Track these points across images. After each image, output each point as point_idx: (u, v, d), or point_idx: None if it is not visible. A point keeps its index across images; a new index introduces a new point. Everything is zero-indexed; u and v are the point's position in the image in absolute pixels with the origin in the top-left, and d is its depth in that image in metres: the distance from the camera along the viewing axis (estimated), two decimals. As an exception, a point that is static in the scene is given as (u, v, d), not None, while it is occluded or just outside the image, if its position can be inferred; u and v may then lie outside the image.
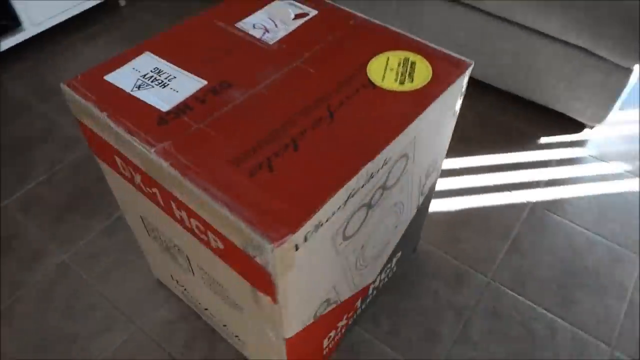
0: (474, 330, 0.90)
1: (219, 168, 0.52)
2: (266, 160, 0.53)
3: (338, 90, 0.61)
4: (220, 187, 0.50)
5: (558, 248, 1.03)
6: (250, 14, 0.73)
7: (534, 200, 1.12)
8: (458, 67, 0.65)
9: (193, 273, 0.73)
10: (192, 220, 0.57)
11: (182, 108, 0.58)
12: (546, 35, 1.13)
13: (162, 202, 0.60)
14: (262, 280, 0.53)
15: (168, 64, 0.64)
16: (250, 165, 0.53)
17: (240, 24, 0.71)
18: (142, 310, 0.91)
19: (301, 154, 0.54)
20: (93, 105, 0.58)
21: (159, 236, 0.73)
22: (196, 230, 0.58)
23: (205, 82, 0.62)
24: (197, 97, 0.60)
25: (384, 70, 0.64)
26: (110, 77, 0.62)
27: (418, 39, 0.70)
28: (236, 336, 0.79)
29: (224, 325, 0.80)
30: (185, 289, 0.84)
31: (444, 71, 0.64)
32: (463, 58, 0.66)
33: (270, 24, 0.72)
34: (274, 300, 0.54)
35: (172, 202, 0.58)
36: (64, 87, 0.61)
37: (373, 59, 0.66)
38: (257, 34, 0.70)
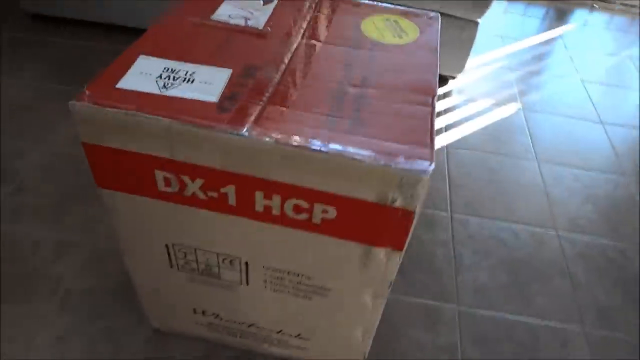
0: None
1: (317, 133, 0.50)
2: (351, 115, 0.53)
3: (357, 54, 0.64)
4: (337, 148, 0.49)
5: (478, 172, 1.22)
6: (216, 8, 0.70)
7: (445, 144, 1.30)
8: (431, 20, 0.74)
9: (247, 282, 0.66)
10: (286, 204, 0.53)
11: (231, 95, 0.54)
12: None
13: (235, 201, 0.54)
14: (388, 230, 0.53)
15: (175, 62, 0.58)
16: (342, 123, 0.52)
17: (216, 17, 0.68)
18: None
19: (374, 106, 0.55)
20: (132, 112, 0.49)
21: (196, 259, 0.65)
22: (290, 214, 0.54)
23: (230, 70, 0.58)
24: (237, 83, 0.56)
25: (377, 30, 0.69)
26: (124, 84, 0.53)
27: (380, 3, 0.77)
28: (297, 335, 0.74)
29: (279, 332, 0.74)
30: (217, 316, 0.75)
31: (424, 24, 0.72)
32: (427, 11, 0.76)
33: (245, 12, 0.70)
34: (401, 244, 0.54)
35: (255, 195, 0.53)
36: (76, 104, 0.50)
37: (361, 24, 0.70)
38: (240, 22, 0.68)
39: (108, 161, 0.55)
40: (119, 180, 0.57)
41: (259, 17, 0.69)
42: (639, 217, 1.15)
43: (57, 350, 0.79)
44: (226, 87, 0.55)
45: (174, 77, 0.56)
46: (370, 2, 0.76)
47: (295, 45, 0.64)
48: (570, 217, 1.13)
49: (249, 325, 0.75)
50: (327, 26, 0.69)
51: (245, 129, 0.49)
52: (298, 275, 0.63)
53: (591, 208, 1.16)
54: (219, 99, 0.53)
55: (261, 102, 0.54)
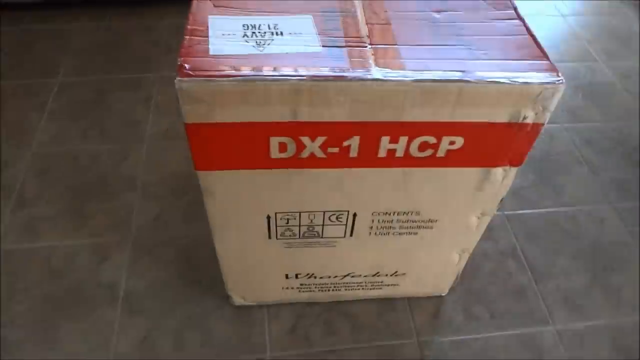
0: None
1: (444, 65, 0.48)
2: (457, 41, 0.51)
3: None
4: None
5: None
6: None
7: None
8: None
9: (352, 234, 0.65)
10: (413, 143, 0.52)
11: (331, 42, 0.50)
12: None
13: (357, 152, 0.52)
14: (512, 148, 0.53)
15: (249, 17, 0.52)
16: (455, 51, 0.50)
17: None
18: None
19: (470, 28, 0.53)
20: (251, 77, 0.44)
21: (299, 224, 0.62)
22: (415, 153, 0.53)
23: (310, 16, 0.53)
24: (326, 29, 0.52)
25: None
26: (216, 50, 0.48)
27: None
28: (393, 273, 0.75)
29: (375, 275, 0.75)
30: (311, 276, 0.73)
31: None
32: None
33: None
34: (522, 159, 0.55)
35: (381, 141, 0.51)
36: (183, 81, 0.44)
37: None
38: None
39: (215, 139, 0.50)
40: (224, 158, 0.52)
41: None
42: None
43: (146, 350, 0.75)
44: (319, 34, 0.51)
45: (261, 34, 0.50)
46: None
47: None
48: (569, 109, 1.21)
49: (344, 276, 0.75)
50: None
51: (378, 73, 0.46)
52: (407, 213, 0.63)
53: (581, 97, 1.24)
54: (323, 48, 0.49)
55: (366, 44, 0.50)
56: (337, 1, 0.56)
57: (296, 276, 0.74)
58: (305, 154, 0.52)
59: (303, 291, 0.78)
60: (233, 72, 0.45)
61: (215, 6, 0.54)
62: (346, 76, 0.46)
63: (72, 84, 1.17)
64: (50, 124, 1.08)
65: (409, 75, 0.46)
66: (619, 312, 0.84)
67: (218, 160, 0.53)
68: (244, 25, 0.51)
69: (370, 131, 0.50)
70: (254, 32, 0.50)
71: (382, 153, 0.53)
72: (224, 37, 0.50)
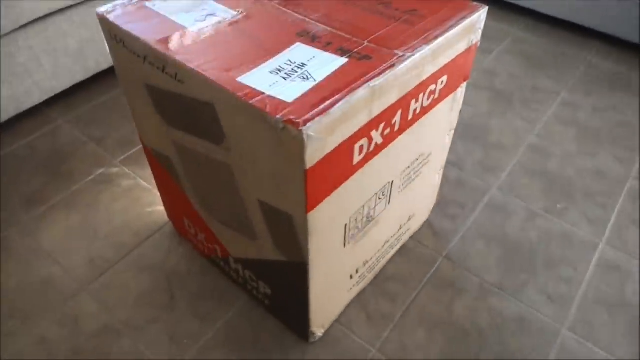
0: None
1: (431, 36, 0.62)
2: (404, 17, 0.65)
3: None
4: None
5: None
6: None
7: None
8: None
9: (389, 201, 0.74)
10: (425, 95, 0.64)
11: (345, 48, 0.58)
12: None
13: (400, 119, 0.62)
14: (466, 67, 0.71)
15: (272, 60, 0.55)
16: (408, 25, 0.64)
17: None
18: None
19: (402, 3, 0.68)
20: (345, 100, 0.50)
21: (363, 216, 0.68)
22: (425, 102, 0.66)
23: (298, 43, 0.59)
24: (325, 42, 0.59)
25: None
26: (286, 95, 0.50)
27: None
28: (409, 218, 0.87)
29: (399, 229, 0.85)
30: (366, 263, 0.80)
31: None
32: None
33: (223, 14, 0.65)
34: (469, 73, 0.73)
35: (411, 103, 0.62)
36: (307, 129, 0.46)
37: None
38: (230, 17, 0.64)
39: (322, 173, 0.53)
40: (325, 188, 0.56)
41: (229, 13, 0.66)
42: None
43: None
44: (325, 50, 0.58)
45: (293, 69, 0.55)
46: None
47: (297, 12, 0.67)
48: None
49: (383, 245, 0.84)
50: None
51: (408, 57, 0.57)
52: (418, 159, 0.76)
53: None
54: (350, 56, 0.57)
55: (367, 42, 0.60)
56: (303, 23, 0.63)
57: (357, 271, 0.79)
58: (372, 146, 0.60)
59: (360, 284, 0.84)
60: (333, 100, 0.50)
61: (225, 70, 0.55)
62: (394, 65, 0.55)
63: None
64: None
65: (425, 48, 0.59)
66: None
67: (321, 193, 0.56)
68: (271, 72, 0.55)
69: (406, 100, 0.61)
70: (283, 70, 0.55)
71: (410, 115, 0.64)
72: (277, 85, 0.52)
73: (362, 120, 0.55)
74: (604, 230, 1.01)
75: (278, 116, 0.48)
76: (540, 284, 0.91)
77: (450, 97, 0.73)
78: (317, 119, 0.48)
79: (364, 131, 0.56)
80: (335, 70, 0.55)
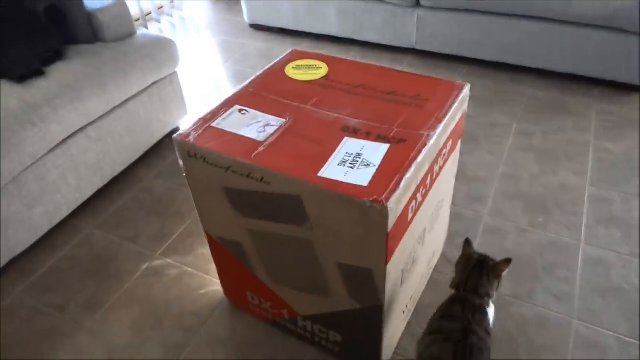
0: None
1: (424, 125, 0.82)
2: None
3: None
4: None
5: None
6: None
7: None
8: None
9: (424, 243, 0.92)
10: (442, 156, 0.83)
11: (383, 135, 0.76)
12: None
13: (429, 185, 0.80)
14: (459, 127, 0.92)
15: (336, 154, 0.72)
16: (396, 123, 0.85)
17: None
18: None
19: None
20: (410, 172, 0.68)
21: (413, 257, 0.85)
22: (441, 161, 0.84)
23: (345, 137, 0.77)
24: (367, 132, 0.77)
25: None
26: (354, 179, 0.67)
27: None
28: (432, 255, 1.04)
29: (429, 263, 1.03)
30: (411, 297, 0.96)
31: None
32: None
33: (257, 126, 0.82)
34: (462, 131, 0.94)
35: (434, 167, 0.81)
36: (389, 204, 0.63)
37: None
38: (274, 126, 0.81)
39: (395, 231, 0.70)
40: (396, 242, 0.72)
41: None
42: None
43: None
44: (372, 135, 0.76)
45: (354, 159, 0.72)
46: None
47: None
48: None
49: (420, 280, 1.00)
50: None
51: (432, 135, 0.76)
52: (438, 204, 0.94)
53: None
54: (389, 142, 0.75)
55: (396, 128, 0.79)
56: (340, 120, 0.81)
57: (406, 306, 0.95)
58: (417, 205, 0.78)
59: (408, 316, 1.00)
60: (397, 179, 0.67)
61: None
62: (425, 143, 0.74)
63: None
64: None
65: (440, 125, 0.78)
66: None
67: (394, 248, 0.73)
68: (339, 164, 0.72)
69: (432, 166, 0.80)
70: (347, 161, 0.72)
71: (435, 175, 0.83)
72: (349, 174, 0.70)
73: (413, 188, 0.73)
74: (580, 232, 1.23)
75: (365, 198, 0.65)
76: (545, 286, 1.10)
77: (454, 154, 0.94)
78: (393, 195, 0.66)
79: (414, 195, 0.74)
80: (386, 155, 0.73)
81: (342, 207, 0.68)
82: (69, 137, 1.28)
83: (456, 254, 1.17)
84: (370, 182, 0.68)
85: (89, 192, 1.38)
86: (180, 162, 0.84)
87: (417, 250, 0.88)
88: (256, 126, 0.82)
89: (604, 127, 1.59)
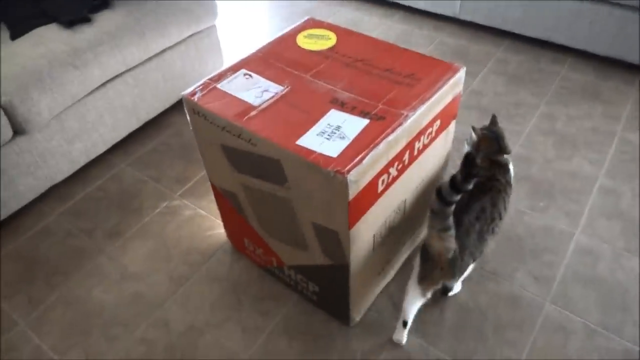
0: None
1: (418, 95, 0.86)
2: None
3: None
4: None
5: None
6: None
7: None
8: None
9: (405, 213, 0.98)
10: (425, 136, 0.88)
11: (366, 111, 0.82)
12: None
13: (408, 160, 0.86)
14: (453, 110, 0.96)
15: (316, 127, 0.80)
16: (399, 84, 0.89)
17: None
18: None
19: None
20: (388, 138, 0.74)
21: (395, 223, 0.93)
22: (425, 141, 0.90)
23: (332, 109, 0.83)
24: (352, 106, 0.83)
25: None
26: (324, 148, 0.75)
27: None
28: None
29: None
30: (389, 262, 1.04)
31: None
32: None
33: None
34: (456, 114, 0.98)
35: (414, 146, 0.86)
36: (350, 176, 0.70)
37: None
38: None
39: (358, 201, 0.77)
40: (360, 211, 0.80)
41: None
42: None
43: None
44: (357, 110, 0.82)
45: (332, 131, 0.79)
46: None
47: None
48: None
49: (401, 248, 1.07)
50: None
51: (411, 115, 0.81)
52: (424, 178, 0.99)
53: None
54: (370, 118, 0.81)
55: (380, 105, 0.84)
56: (333, 92, 0.87)
57: (383, 269, 1.03)
58: (390, 178, 0.84)
59: (385, 278, 1.08)
60: (363, 154, 0.74)
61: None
62: (402, 122, 0.80)
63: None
64: None
65: (422, 107, 0.83)
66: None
67: (358, 216, 0.80)
68: (317, 135, 0.79)
69: (412, 143, 0.85)
70: (326, 132, 0.79)
71: (415, 152, 0.89)
72: (323, 144, 0.77)
73: (382, 163, 0.79)
74: (579, 221, 1.25)
75: (329, 168, 0.72)
76: (527, 268, 1.14)
77: (444, 133, 0.97)
78: (355, 169, 0.72)
79: (384, 170, 0.80)
80: (362, 130, 0.79)
81: (312, 173, 0.76)
82: (108, 81, 1.41)
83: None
84: (340, 154, 0.75)
85: (124, 133, 1.52)
86: (188, 117, 0.94)
87: (394, 218, 0.95)
88: (255, 91, 0.90)
89: (637, 118, 1.54)
